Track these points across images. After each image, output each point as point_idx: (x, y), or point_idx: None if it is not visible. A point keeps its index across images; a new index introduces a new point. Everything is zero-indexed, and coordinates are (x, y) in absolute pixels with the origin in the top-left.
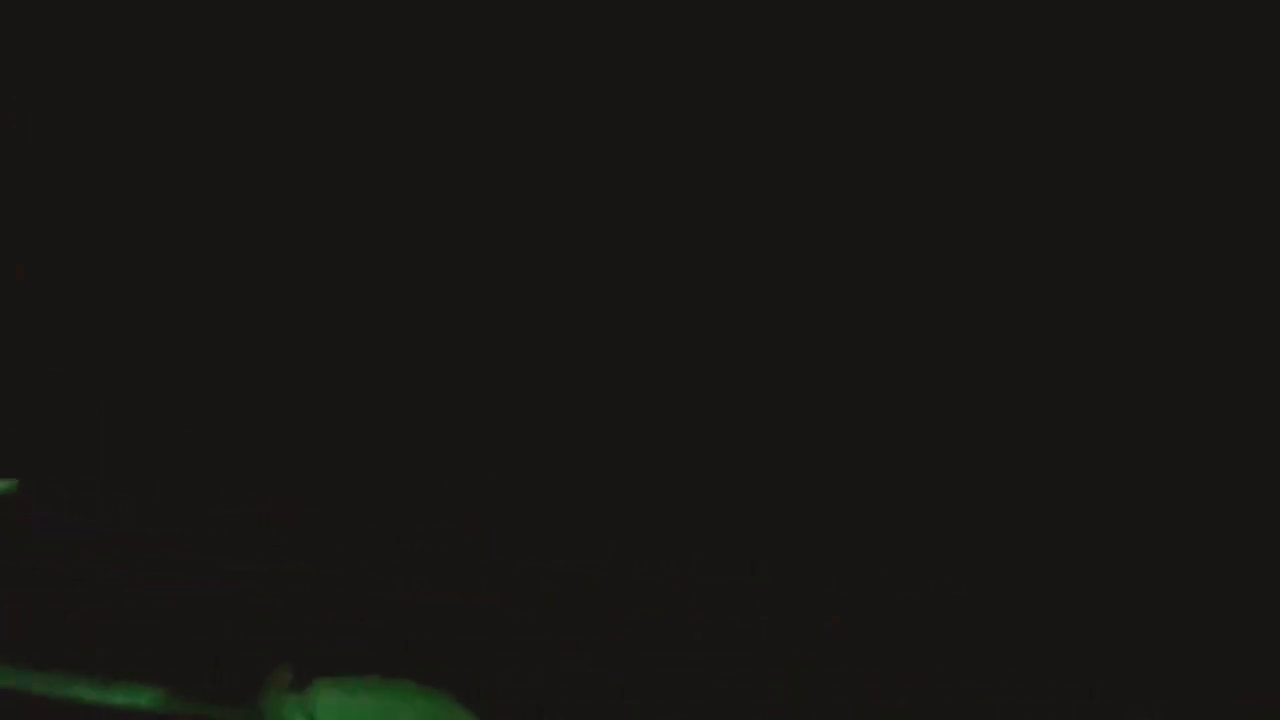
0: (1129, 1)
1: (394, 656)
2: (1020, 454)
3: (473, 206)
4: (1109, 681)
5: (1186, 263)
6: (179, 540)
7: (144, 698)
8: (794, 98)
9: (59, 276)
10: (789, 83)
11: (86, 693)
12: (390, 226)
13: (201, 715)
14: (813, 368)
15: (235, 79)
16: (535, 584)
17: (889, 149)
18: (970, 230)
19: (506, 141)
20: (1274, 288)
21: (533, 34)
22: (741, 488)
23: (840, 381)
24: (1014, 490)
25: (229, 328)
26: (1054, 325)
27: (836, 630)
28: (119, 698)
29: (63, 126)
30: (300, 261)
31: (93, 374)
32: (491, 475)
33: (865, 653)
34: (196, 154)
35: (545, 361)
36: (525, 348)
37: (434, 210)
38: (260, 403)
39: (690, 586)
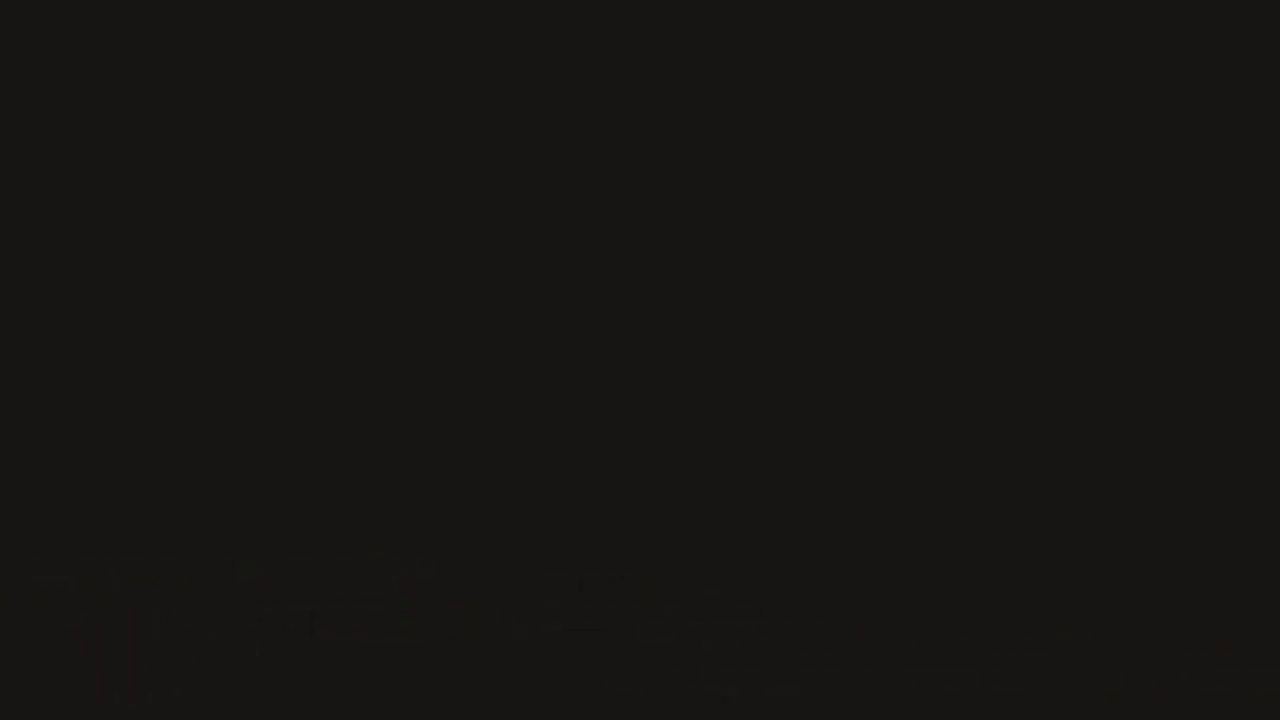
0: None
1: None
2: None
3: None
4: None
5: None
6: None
7: None
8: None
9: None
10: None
11: None
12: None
13: None
14: (811, 370)
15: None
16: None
17: (890, 149)
18: (970, 232)
19: (507, 142)
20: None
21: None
22: (741, 489)
23: (838, 384)
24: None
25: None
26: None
27: (836, 630)
28: None
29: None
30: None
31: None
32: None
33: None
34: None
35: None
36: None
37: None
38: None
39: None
